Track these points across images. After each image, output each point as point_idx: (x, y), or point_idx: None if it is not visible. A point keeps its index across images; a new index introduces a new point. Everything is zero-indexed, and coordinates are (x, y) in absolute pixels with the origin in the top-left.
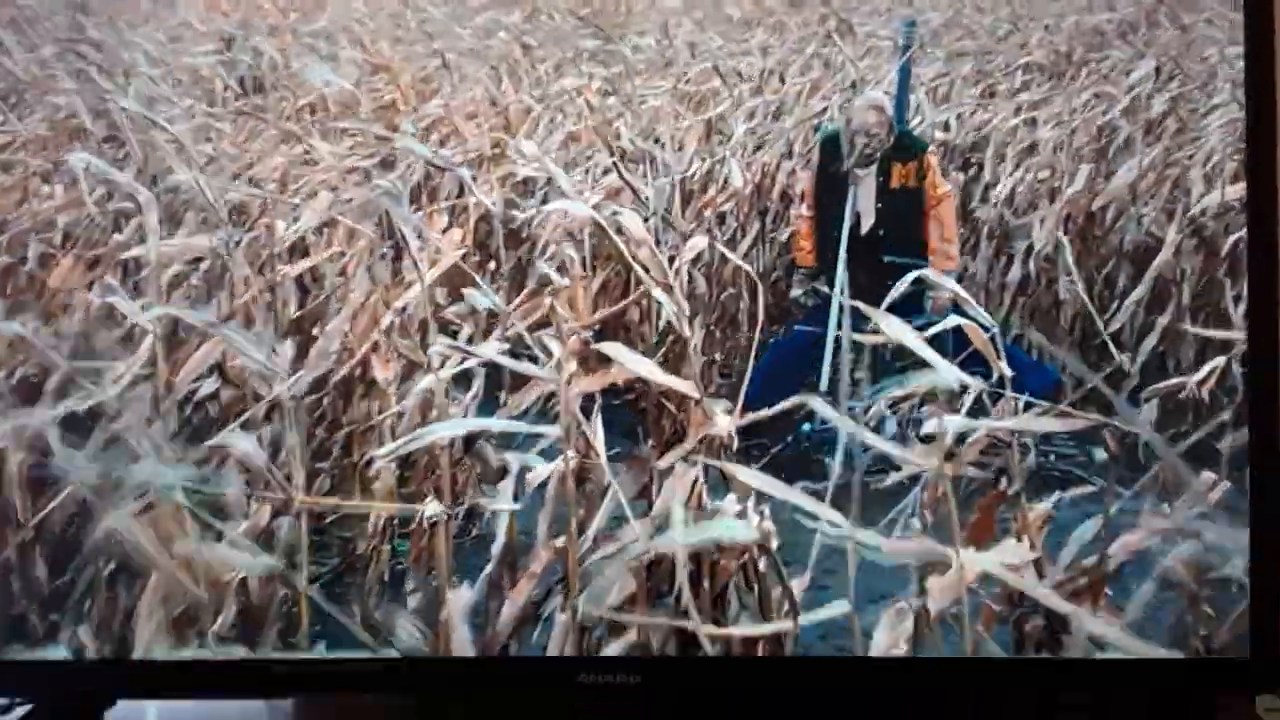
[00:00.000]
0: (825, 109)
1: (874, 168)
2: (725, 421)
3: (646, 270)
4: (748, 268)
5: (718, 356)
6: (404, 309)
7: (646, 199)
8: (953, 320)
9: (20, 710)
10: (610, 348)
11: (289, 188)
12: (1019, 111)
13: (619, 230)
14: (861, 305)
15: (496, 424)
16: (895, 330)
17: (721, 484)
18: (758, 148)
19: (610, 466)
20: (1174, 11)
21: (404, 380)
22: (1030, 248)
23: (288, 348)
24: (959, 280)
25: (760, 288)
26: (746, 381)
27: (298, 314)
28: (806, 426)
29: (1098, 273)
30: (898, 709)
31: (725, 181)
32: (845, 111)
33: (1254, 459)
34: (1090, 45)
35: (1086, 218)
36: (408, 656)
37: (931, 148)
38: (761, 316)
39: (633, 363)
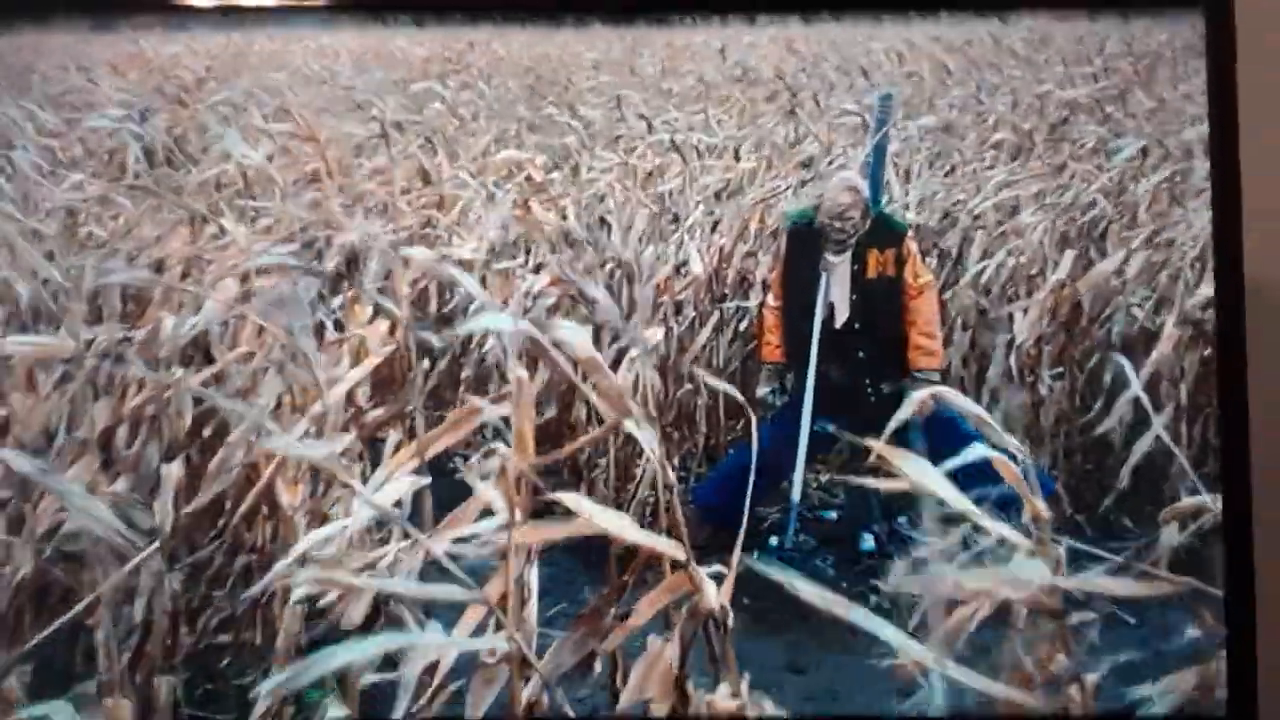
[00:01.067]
0: (786, 187)
1: (848, 254)
2: (713, 595)
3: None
4: (721, 384)
5: (675, 461)
6: (322, 415)
7: (594, 301)
8: (978, 451)
9: None
10: (571, 500)
11: (192, 274)
12: (997, 191)
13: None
14: (879, 447)
15: (406, 589)
16: (917, 472)
17: (709, 666)
18: (713, 228)
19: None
20: (1150, 87)
21: (322, 490)
22: (1011, 341)
23: (173, 473)
24: (942, 379)
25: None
26: (710, 489)
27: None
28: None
29: (1079, 369)
30: None
31: (684, 268)
32: (817, 194)
33: (1227, 515)
34: (1065, 121)
35: (1072, 308)
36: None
37: (911, 232)
38: (722, 419)
39: (600, 517)
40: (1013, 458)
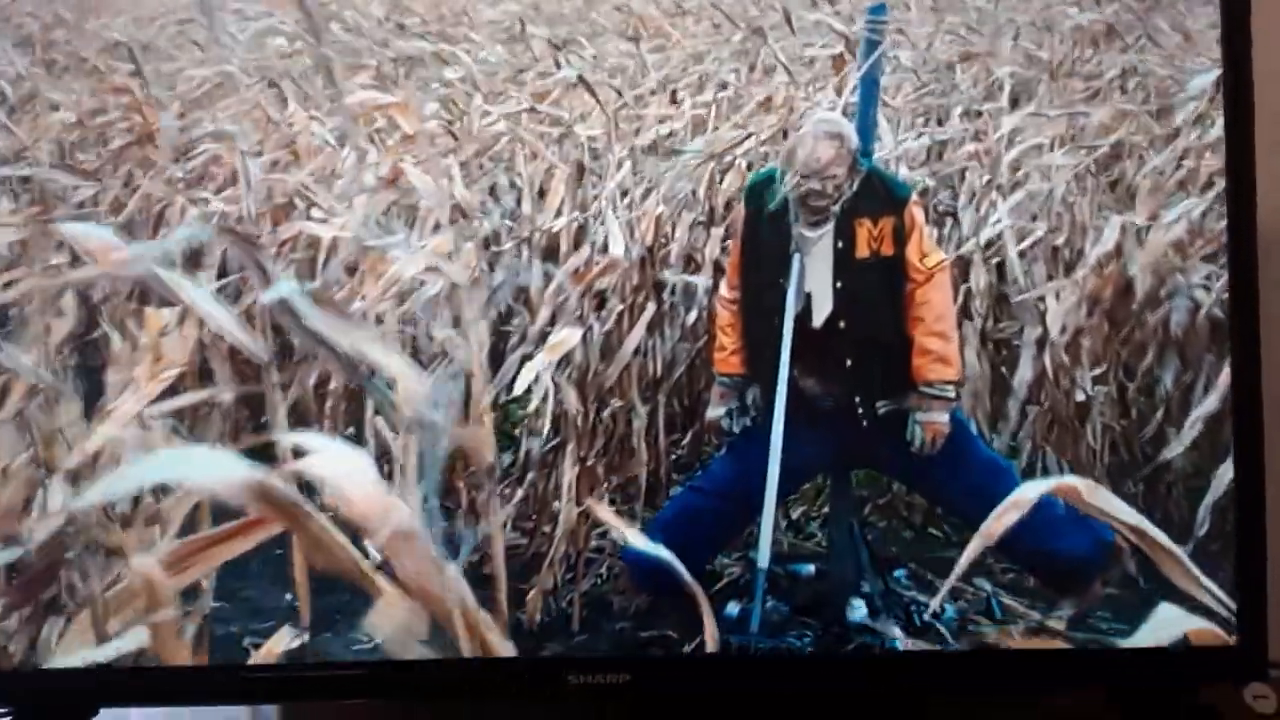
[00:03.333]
0: (747, 135)
1: (830, 227)
2: None
3: None
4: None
5: (603, 497)
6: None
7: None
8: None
9: None
10: None
11: None
12: (1012, 141)
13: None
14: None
15: None
16: None
17: None
18: (647, 195)
19: None
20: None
21: None
22: (1043, 336)
23: None
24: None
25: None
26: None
27: None
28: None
29: (1130, 373)
30: (887, 708)
31: (604, 246)
32: (785, 146)
33: (1238, 429)
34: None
35: (1118, 291)
36: (392, 661)
37: (916, 195)
38: (664, 444)
39: None
40: None
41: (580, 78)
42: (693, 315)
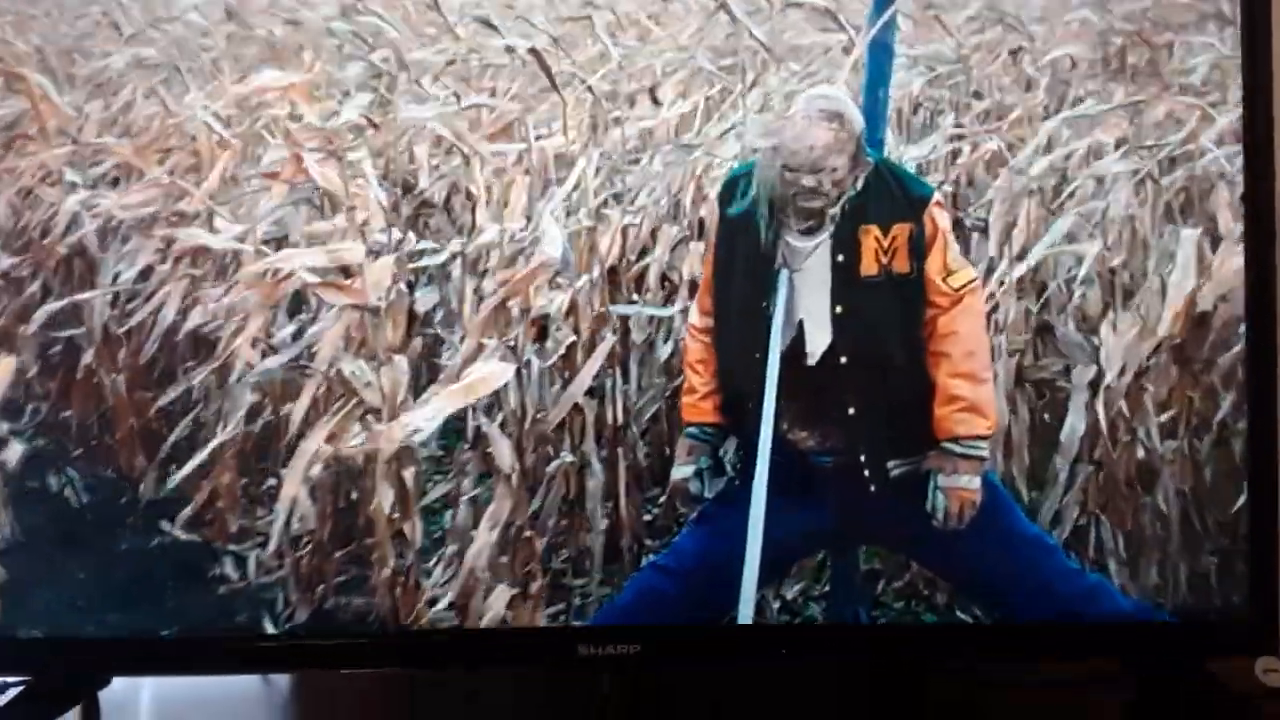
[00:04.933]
0: (731, 127)
1: (827, 236)
2: None
3: None
4: None
5: (538, 579)
6: None
7: None
8: None
9: (14, 689)
10: None
11: None
12: (1048, 149)
13: None
14: None
15: None
16: None
17: None
18: (608, 202)
19: None
20: None
21: None
22: (1097, 377)
23: None
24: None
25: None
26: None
27: None
28: None
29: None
30: (888, 678)
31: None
32: (768, 132)
33: (1253, 417)
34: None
35: (1190, 324)
36: (402, 630)
37: (938, 195)
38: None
39: None
40: None
41: (533, 52)
42: (667, 348)
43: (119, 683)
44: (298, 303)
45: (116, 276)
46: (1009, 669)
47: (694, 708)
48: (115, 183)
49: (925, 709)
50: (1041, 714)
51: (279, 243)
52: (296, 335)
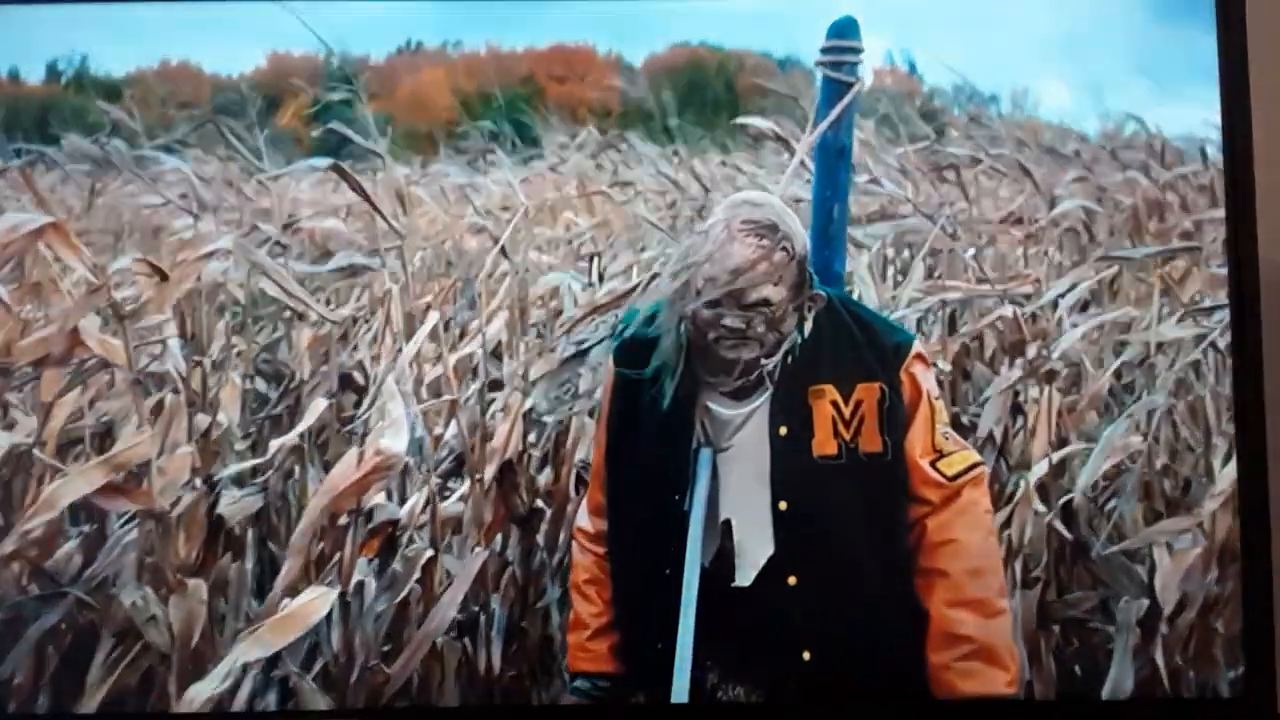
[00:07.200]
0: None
1: (762, 400)
2: None
3: None
4: None
5: None
6: None
7: None
8: None
9: None
10: None
11: None
12: (1054, 307)
13: None
14: None
15: None
16: None
17: None
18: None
19: None
20: None
21: None
22: (1151, 613)
23: None
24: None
25: None
26: None
27: None
28: None
29: None
30: None
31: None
32: (679, 255)
33: (1244, 495)
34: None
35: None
36: (389, 708)
37: (920, 345)
38: None
39: None
40: None
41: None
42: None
43: None
44: None
45: None
46: None
47: None
48: None
49: None
50: None
51: None
52: None
